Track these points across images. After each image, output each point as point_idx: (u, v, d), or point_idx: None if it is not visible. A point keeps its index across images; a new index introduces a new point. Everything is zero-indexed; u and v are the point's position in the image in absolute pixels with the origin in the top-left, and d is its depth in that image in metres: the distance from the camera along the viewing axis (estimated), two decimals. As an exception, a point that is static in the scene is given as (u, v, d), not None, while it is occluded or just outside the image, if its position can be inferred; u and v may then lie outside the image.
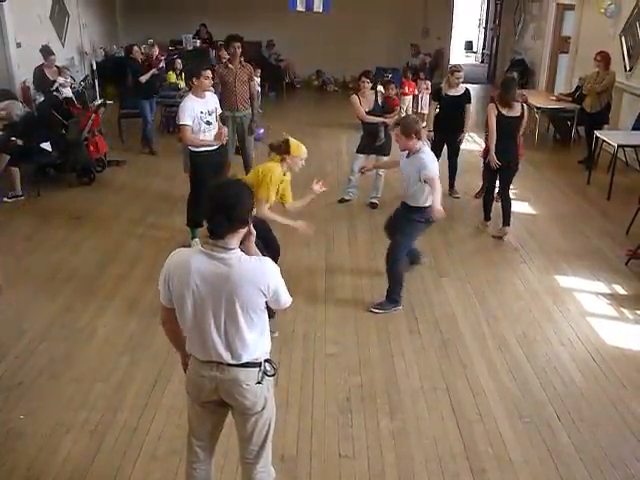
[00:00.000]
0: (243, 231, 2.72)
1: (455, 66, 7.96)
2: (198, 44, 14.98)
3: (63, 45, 12.39)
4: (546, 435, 3.95)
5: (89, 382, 4.37)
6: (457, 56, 21.32)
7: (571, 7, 12.50)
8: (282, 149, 4.83)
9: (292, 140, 4.86)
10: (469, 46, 24.16)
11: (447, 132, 7.91)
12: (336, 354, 4.76)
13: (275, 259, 4.93)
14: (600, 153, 9.18)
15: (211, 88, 6.35)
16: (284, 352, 4.74)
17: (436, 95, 8.12)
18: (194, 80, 5.97)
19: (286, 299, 2.86)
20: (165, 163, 9.30)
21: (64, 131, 8.27)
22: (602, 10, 10.52)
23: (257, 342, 2.80)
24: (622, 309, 5.51)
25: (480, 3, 22.09)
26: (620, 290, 5.84)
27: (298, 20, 13.00)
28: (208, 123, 6.05)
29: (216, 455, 3.17)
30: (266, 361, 2.86)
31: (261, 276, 2.70)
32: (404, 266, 5.50)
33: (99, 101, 9.45)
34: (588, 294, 5.77)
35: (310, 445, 3.83)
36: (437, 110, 8.05)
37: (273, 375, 2.90)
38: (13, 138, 7.81)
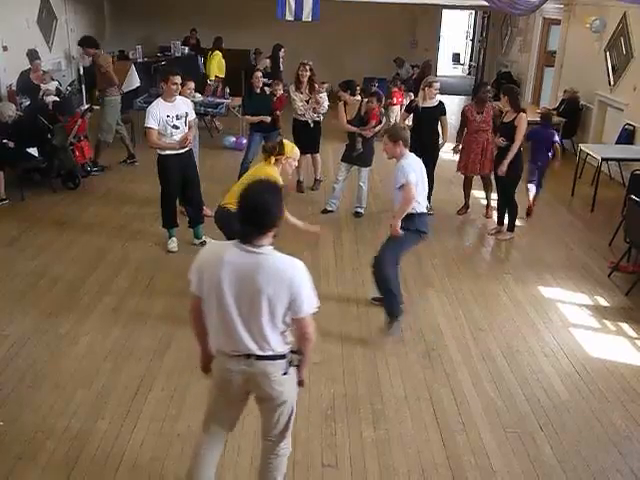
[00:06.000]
0: (273, 233, 2.83)
1: (430, 77, 7.99)
2: (186, 51, 14.96)
3: (50, 49, 12.31)
4: (529, 446, 3.96)
5: (70, 389, 4.32)
6: (444, 68, 21.49)
7: (557, 22, 12.65)
8: (277, 150, 4.94)
9: (286, 141, 5.05)
10: (456, 58, 24.37)
11: (422, 146, 7.44)
12: (320, 363, 4.74)
13: None
14: (584, 166, 9.27)
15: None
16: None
17: (409, 108, 7.96)
18: (162, 84, 6.11)
19: (308, 305, 2.84)
20: (150, 169, 9.20)
21: (50, 136, 8.22)
22: (587, 25, 10.65)
23: (281, 337, 2.88)
24: (605, 321, 5.55)
25: (468, 16, 22.28)
26: (603, 302, 5.89)
27: (287, 29, 13.01)
28: (175, 127, 6.13)
29: (235, 436, 3.29)
30: (291, 352, 2.95)
31: (287, 276, 2.77)
32: (395, 275, 5.24)
33: (86, 106, 9.40)
34: (571, 306, 5.81)
35: (293, 454, 3.78)
36: (410, 124, 7.90)
37: (297, 365, 3.00)
38: (5, 140, 7.76)
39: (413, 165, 5.12)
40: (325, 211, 7.85)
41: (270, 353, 2.86)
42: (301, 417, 4.13)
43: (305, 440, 3.93)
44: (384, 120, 7.73)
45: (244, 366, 2.87)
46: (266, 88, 8.42)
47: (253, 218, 2.75)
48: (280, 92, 8.65)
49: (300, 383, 3.11)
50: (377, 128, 7.53)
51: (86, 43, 8.97)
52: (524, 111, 6.98)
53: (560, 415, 4.27)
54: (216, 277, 2.78)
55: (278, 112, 8.32)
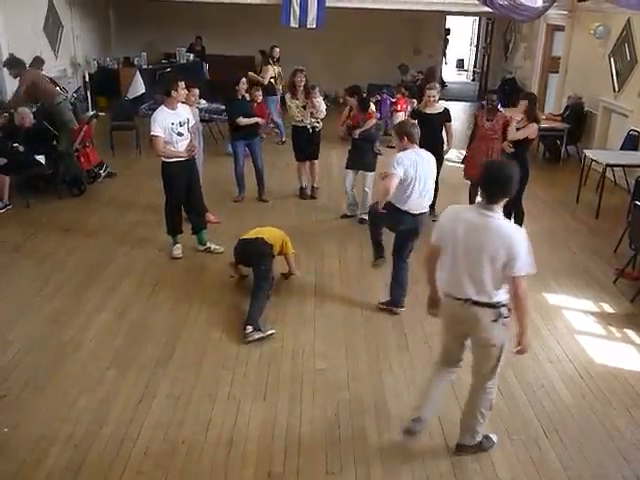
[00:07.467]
0: (504, 200, 3.42)
1: (429, 84, 7.99)
2: (192, 58, 15.02)
3: (56, 56, 12.37)
4: (533, 452, 3.95)
5: (74, 395, 4.33)
6: (449, 74, 21.52)
7: (561, 28, 12.65)
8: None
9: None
10: (460, 64, 24.38)
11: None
12: (325, 369, 4.74)
13: (269, 289, 5.34)
14: (589, 172, 9.25)
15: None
16: (272, 366, 4.73)
17: (413, 113, 8.03)
18: (172, 92, 6.06)
19: (521, 266, 3.35)
20: (154, 176, 9.23)
21: (55, 142, 8.25)
22: (591, 31, 10.65)
23: (496, 290, 3.44)
24: (610, 327, 5.53)
25: (472, 22, 22.29)
26: (608, 308, 5.87)
27: (292, 36, 13.05)
28: (179, 134, 6.17)
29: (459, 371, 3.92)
30: (502, 305, 3.48)
31: (508, 237, 3.36)
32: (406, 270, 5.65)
33: (91, 113, 9.44)
34: (576, 312, 5.79)
35: (297, 461, 3.81)
36: None
37: (507, 317, 3.51)
38: (16, 144, 7.80)
39: (408, 159, 5.24)
40: (345, 216, 7.93)
41: (484, 300, 3.44)
42: (305, 423, 4.14)
43: (309, 447, 3.92)
44: (371, 123, 7.62)
45: (462, 309, 3.50)
46: (246, 95, 8.27)
47: (492, 186, 3.40)
48: (259, 98, 8.64)
49: (519, 352, 3.63)
50: (365, 127, 7.47)
51: (10, 65, 8.68)
52: (537, 122, 6.98)
53: (564, 421, 4.26)
54: (453, 231, 3.47)
55: (259, 119, 8.22)
